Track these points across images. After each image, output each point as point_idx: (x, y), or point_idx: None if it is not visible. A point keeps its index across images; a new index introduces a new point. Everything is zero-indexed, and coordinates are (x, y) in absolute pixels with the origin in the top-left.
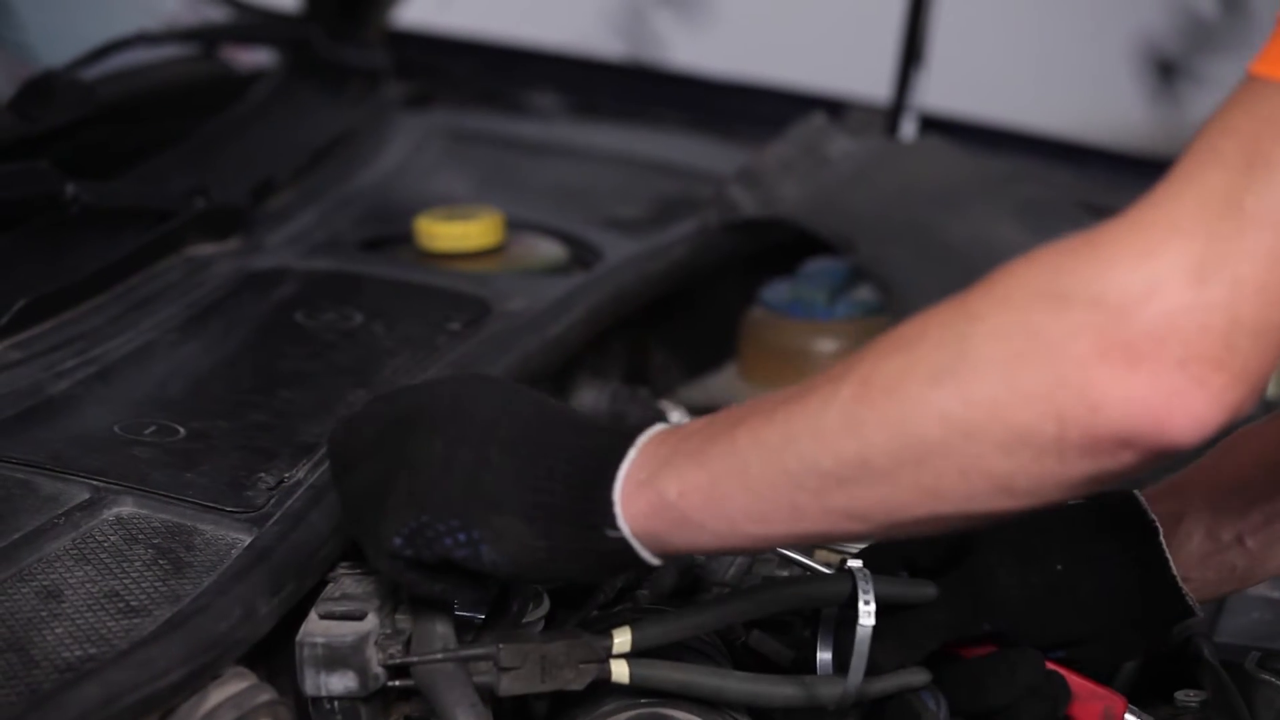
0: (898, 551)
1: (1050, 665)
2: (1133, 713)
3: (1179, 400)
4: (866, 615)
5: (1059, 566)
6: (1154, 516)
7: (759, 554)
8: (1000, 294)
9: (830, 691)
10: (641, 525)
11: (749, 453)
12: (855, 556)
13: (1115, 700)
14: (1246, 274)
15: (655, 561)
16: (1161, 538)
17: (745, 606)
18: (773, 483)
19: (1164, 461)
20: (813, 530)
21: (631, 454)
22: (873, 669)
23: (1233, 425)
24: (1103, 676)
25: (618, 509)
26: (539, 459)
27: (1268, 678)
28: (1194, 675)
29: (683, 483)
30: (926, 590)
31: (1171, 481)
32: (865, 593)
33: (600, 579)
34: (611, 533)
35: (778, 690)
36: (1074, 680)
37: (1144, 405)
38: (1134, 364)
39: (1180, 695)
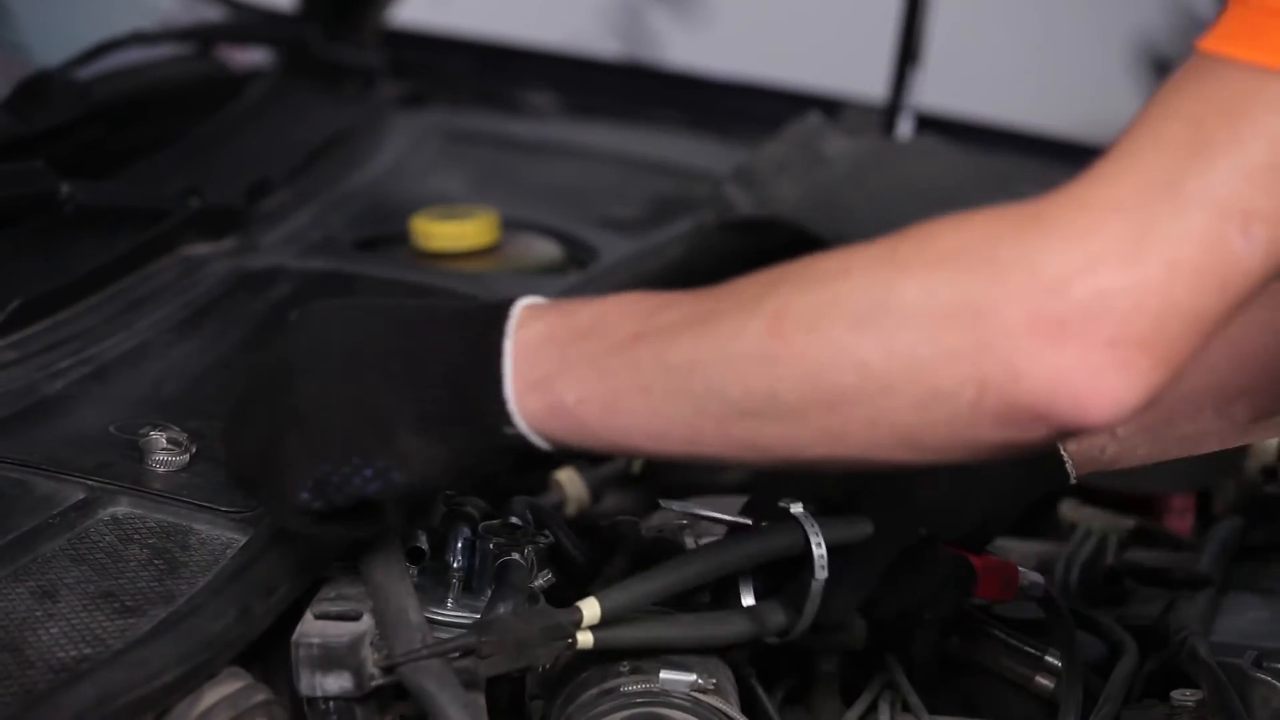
0: (803, 485)
1: (950, 549)
2: (1023, 572)
3: (1101, 379)
4: (821, 568)
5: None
6: None
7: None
8: (932, 251)
9: (777, 620)
10: (537, 424)
11: (652, 372)
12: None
13: (1007, 568)
14: (1183, 257)
15: (548, 449)
16: None
17: (705, 567)
18: (675, 405)
19: (1070, 440)
20: (709, 454)
21: (509, 345)
22: (824, 616)
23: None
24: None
25: (512, 407)
26: (417, 370)
27: (1264, 677)
28: (1190, 674)
29: (581, 390)
30: (866, 528)
31: None
32: (817, 544)
33: (500, 471)
34: (509, 429)
35: (729, 629)
36: (971, 559)
37: (1066, 381)
38: (1062, 338)
39: (1176, 695)
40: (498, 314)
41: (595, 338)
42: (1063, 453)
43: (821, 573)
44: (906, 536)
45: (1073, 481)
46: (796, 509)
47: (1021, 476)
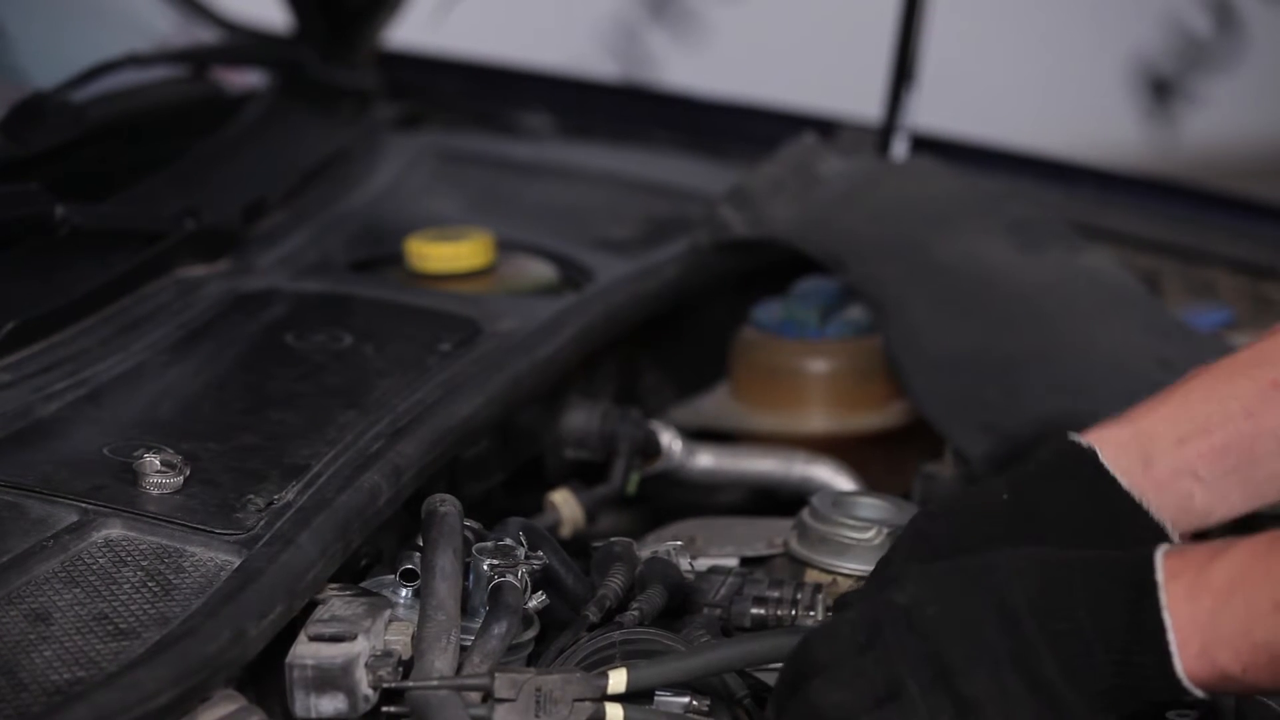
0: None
1: None
2: None
3: None
4: None
5: (1009, 515)
6: (1089, 444)
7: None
8: None
9: None
10: (1203, 687)
11: None
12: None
13: None
14: None
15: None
16: (1104, 459)
17: (742, 652)
18: None
19: None
20: None
21: (1169, 620)
22: None
23: None
24: None
25: (1184, 682)
26: (1084, 655)
27: (1259, 697)
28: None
29: (1245, 660)
30: None
31: (1115, 419)
32: None
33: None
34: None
35: None
36: None
37: None
38: None
39: (1172, 715)
40: (1144, 576)
41: (1242, 601)
42: (1144, 506)
43: None
44: None
45: (1173, 538)
46: None
47: (1078, 511)
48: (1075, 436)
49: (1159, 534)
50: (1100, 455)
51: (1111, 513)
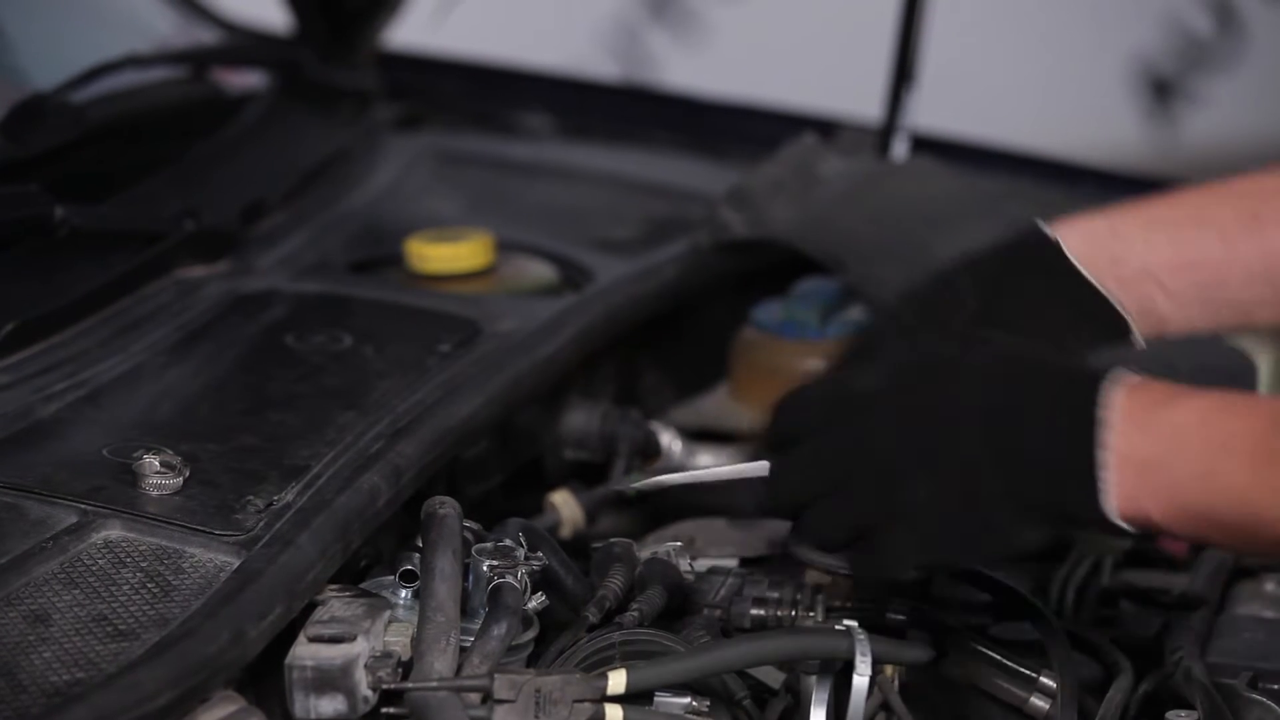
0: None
1: None
2: None
3: None
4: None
5: (973, 307)
6: (1056, 236)
7: None
8: None
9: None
10: (1130, 524)
11: None
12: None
13: None
14: None
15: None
16: (1068, 251)
17: (742, 653)
18: None
19: None
20: None
21: (1107, 458)
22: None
23: None
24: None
25: (1113, 518)
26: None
27: (1259, 698)
28: (1185, 695)
29: (1165, 515)
30: (921, 652)
31: (1091, 213)
32: (863, 653)
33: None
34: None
35: None
36: None
37: None
38: None
39: (1172, 716)
40: (1093, 410)
41: (1176, 460)
42: (1094, 283)
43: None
44: None
45: (1136, 336)
46: (850, 623)
47: (1046, 303)
48: (1043, 225)
49: (1122, 326)
50: (1064, 246)
51: (1076, 304)
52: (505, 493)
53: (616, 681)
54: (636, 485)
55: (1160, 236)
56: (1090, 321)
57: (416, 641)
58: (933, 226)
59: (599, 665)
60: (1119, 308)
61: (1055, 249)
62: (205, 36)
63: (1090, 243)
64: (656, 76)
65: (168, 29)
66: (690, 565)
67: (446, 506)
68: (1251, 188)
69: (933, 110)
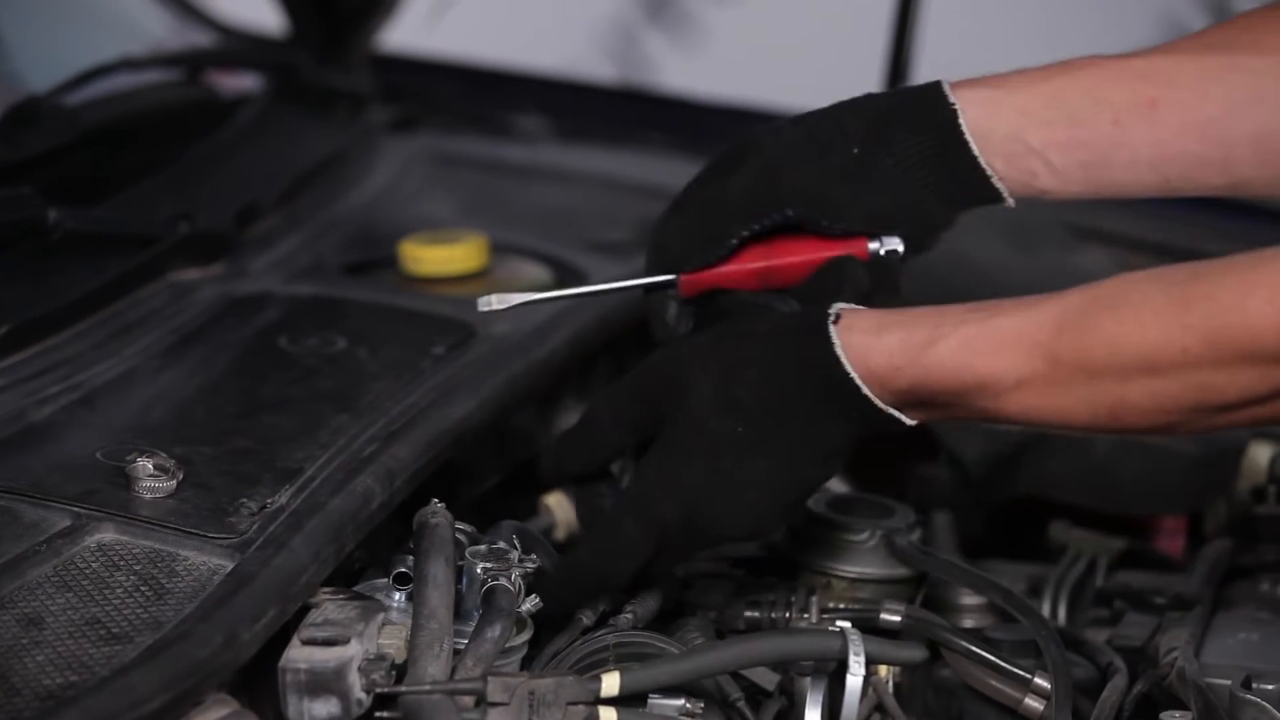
0: None
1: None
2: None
3: None
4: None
5: (854, 150)
6: (955, 101)
7: None
8: None
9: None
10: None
11: None
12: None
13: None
14: None
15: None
16: (962, 120)
17: (736, 655)
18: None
19: None
20: None
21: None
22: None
23: None
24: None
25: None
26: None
27: (1253, 698)
28: (1180, 696)
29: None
30: (915, 652)
31: (995, 77)
32: (856, 653)
33: None
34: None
35: None
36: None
37: None
38: None
39: (1166, 716)
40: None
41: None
42: (978, 157)
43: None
44: (777, 199)
45: (1006, 200)
46: (843, 624)
47: (925, 165)
48: (947, 89)
49: (995, 197)
50: (961, 116)
51: (954, 173)
52: (500, 495)
53: (610, 684)
54: (499, 305)
55: (1058, 115)
56: (964, 190)
57: (410, 647)
58: None
59: (593, 668)
60: (998, 185)
61: (950, 116)
62: (200, 39)
63: (990, 116)
64: (653, 78)
65: (162, 32)
66: (681, 575)
67: (438, 515)
68: (1150, 70)
69: None
